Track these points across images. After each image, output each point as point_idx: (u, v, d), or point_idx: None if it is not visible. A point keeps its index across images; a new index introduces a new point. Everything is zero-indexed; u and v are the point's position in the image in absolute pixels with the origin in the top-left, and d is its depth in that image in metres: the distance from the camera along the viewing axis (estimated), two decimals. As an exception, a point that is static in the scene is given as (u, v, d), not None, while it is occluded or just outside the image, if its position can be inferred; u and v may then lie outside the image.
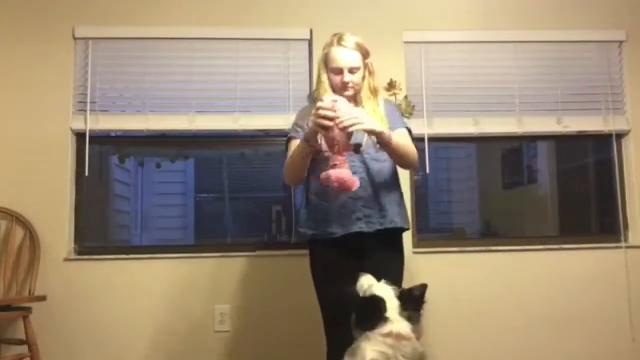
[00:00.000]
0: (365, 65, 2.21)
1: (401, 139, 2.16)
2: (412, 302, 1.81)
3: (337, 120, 1.90)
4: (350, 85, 2.16)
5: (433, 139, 3.11)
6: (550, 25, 3.21)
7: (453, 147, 3.78)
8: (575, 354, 3.00)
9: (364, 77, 2.21)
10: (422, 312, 1.82)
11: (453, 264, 3.02)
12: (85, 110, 3.02)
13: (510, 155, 3.89)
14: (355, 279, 2.09)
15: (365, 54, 2.21)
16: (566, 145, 3.51)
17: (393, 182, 2.27)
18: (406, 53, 3.14)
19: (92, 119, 3.02)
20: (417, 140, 3.08)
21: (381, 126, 2.08)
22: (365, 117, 2.01)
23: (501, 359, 2.98)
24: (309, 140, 2.03)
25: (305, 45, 3.12)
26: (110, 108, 3.12)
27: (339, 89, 2.17)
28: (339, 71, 2.16)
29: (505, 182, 3.94)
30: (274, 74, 3.13)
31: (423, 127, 3.06)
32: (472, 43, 3.19)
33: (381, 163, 2.21)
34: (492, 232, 3.62)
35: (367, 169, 2.18)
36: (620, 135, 3.24)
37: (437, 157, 3.52)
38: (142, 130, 3.07)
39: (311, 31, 3.10)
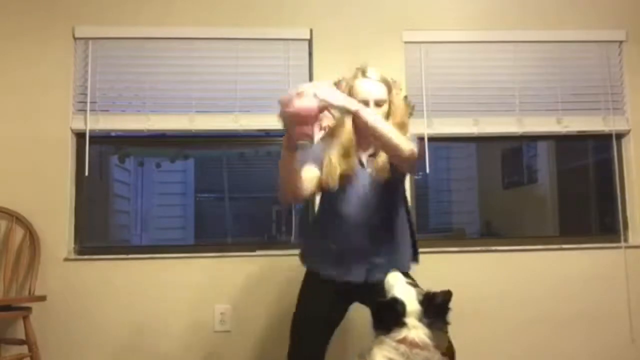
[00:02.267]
0: (390, 100, 2.13)
1: (385, 124, 1.98)
2: (435, 308, 1.75)
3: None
4: None
5: (433, 139, 3.11)
6: (550, 25, 3.21)
7: (453, 147, 3.78)
8: (574, 354, 3.00)
9: (388, 114, 2.12)
10: (447, 320, 1.76)
11: (453, 264, 3.02)
12: (85, 110, 3.02)
13: (510, 155, 3.89)
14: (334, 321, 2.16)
15: (389, 88, 2.14)
16: (566, 145, 3.52)
17: (400, 224, 2.19)
18: (406, 53, 3.14)
19: (92, 119, 3.02)
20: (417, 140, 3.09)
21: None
22: (338, 93, 1.87)
23: (501, 358, 2.98)
24: (289, 147, 1.91)
25: (305, 45, 3.12)
26: (110, 108, 3.11)
27: None
28: (365, 104, 2.02)
29: (505, 182, 3.94)
30: (274, 74, 3.13)
31: (423, 127, 3.05)
32: (472, 43, 3.19)
33: (385, 211, 2.14)
34: (492, 232, 3.62)
35: (369, 218, 2.11)
36: (620, 135, 3.23)
37: (437, 157, 3.52)
38: (142, 130, 3.07)
39: (311, 31, 3.10)
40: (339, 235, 2.12)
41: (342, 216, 2.11)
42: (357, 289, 2.12)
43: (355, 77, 2.14)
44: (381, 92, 2.11)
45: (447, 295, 1.77)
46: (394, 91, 2.16)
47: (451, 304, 1.77)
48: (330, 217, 2.16)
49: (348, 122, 2.08)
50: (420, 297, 1.76)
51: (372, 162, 2.15)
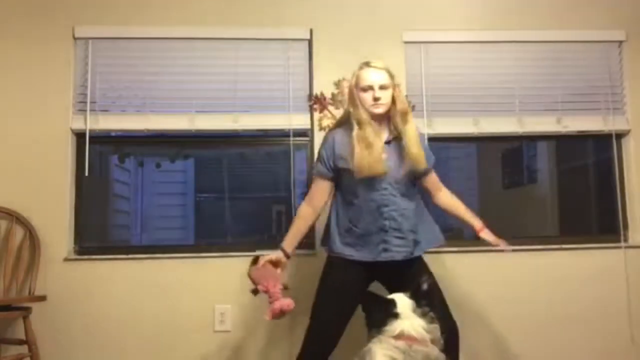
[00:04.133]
0: (394, 87, 2.27)
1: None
2: (424, 297, 1.79)
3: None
4: (380, 101, 2.22)
5: (433, 139, 3.10)
6: (550, 25, 3.21)
7: (453, 147, 3.78)
8: (574, 353, 3.00)
9: (394, 100, 2.26)
10: (435, 307, 1.80)
11: (453, 264, 3.02)
12: (85, 110, 3.02)
13: (510, 155, 3.89)
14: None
15: (392, 76, 2.28)
16: (566, 145, 3.51)
17: (419, 206, 2.37)
18: (406, 53, 3.14)
19: (92, 119, 3.02)
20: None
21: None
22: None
23: (500, 358, 2.98)
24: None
25: (305, 45, 3.12)
26: (110, 108, 3.11)
27: (369, 106, 2.23)
28: (369, 88, 2.22)
29: (505, 182, 3.94)
30: (274, 74, 3.13)
31: (423, 127, 3.05)
32: (472, 43, 3.19)
33: (409, 199, 2.30)
34: (492, 232, 3.62)
35: (397, 203, 2.25)
36: (620, 135, 3.23)
37: (437, 157, 3.52)
38: (142, 130, 3.07)
39: (311, 31, 3.10)
40: (361, 218, 2.24)
41: (363, 201, 2.24)
42: (377, 268, 2.25)
43: (360, 68, 2.28)
44: (384, 78, 2.25)
45: (428, 278, 1.89)
46: (395, 81, 2.30)
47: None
48: (353, 203, 2.26)
49: (364, 113, 2.22)
50: (408, 294, 1.80)
51: (391, 149, 2.28)
